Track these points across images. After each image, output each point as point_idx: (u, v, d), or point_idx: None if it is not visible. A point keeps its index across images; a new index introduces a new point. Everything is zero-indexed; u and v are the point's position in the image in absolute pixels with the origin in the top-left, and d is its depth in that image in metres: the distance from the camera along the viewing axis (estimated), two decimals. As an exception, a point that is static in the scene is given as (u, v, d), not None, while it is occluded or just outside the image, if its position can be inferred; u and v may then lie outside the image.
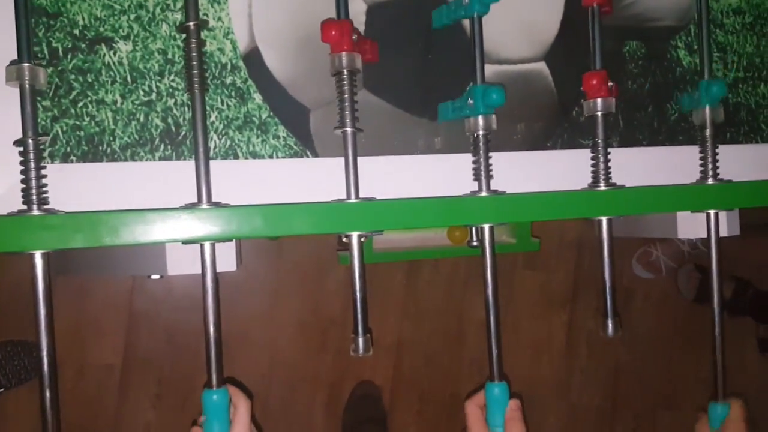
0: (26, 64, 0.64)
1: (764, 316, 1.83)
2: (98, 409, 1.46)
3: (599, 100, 0.82)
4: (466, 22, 0.86)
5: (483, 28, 0.80)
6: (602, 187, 0.83)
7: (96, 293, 1.45)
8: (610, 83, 0.82)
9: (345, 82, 0.73)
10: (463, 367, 1.71)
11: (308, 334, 1.60)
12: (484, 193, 0.78)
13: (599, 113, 0.82)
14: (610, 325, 0.84)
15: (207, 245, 0.69)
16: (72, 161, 0.73)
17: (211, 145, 0.78)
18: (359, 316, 0.73)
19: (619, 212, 0.81)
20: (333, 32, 0.72)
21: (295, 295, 1.58)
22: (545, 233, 1.60)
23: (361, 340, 0.73)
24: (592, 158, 0.84)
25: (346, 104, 0.73)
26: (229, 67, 0.79)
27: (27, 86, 0.63)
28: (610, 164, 0.83)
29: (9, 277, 1.38)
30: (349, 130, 0.74)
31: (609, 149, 0.83)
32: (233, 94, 0.79)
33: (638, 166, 0.94)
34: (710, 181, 0.87)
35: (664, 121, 0.96)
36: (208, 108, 0.78)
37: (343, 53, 0.72)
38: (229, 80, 0.79)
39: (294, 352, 1.58)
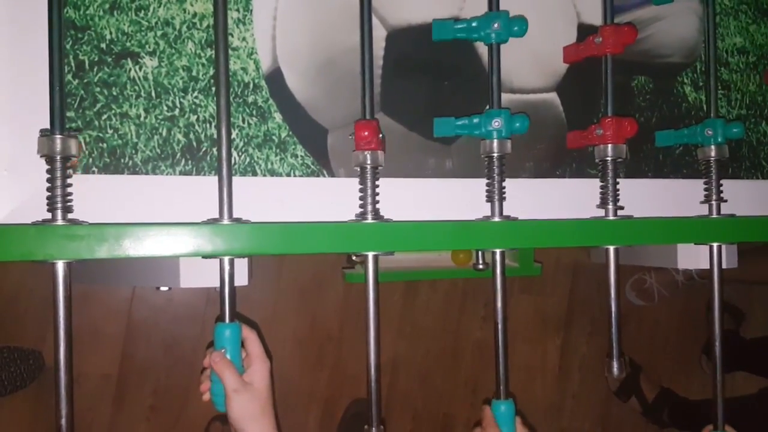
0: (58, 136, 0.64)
1: (685, 424, 1.73)
2: (93, 419, 1.45)
3: (610, 145, 0.84)
4: (481, 50, 0.88)
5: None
6: (611, 216, 0.84)
7: (96, 302, 1.45)
8: (626, 122, 0.84)
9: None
10: (458, 388, 1.71)
11: (305, 350, 1.60)
12: (496, 219, 0.80)
13: (609, 158, 0.84)
14: (615, 367, 0.85)
15: (226, 260, 0.71)
16: (94, 172, 0.74)
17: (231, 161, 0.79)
18: (371, 346, 0.74)
19: (628, 242, 0.83)
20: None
21: (294, 311, 1.59)
22: (541, 257, 1.62)
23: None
24: (601, 189, 0.86)
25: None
26: (251, 86, 0.81)
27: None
28: (619, 195, 0.86)
29: (5, 284, 1.38)
30: (368, 154, 0.75)
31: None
32: (254, 112, 0.81)
33: (643, 197, 0.96)
34: (714, 214, 0.90)
35: (669, 155, 0.98)
36: (228, 125, 0.79)
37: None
38: (251, 99, 0.81)
39: (290, 368, 1.58)
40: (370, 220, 0.75)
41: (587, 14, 0.94)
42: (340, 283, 1.57)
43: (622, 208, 0.86)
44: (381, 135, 0.76)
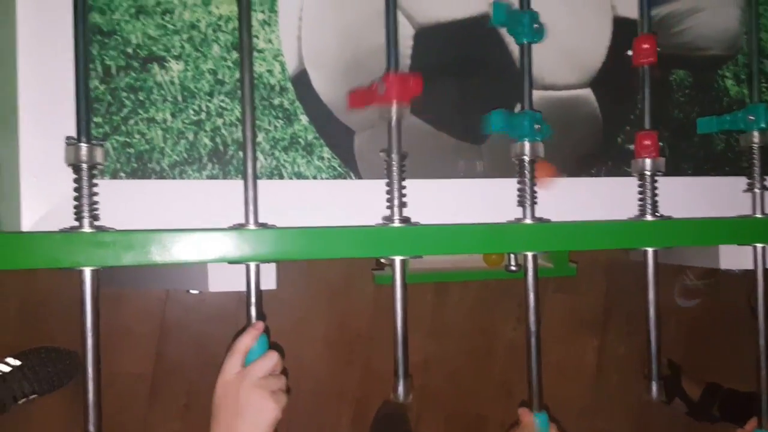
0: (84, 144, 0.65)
1: (737, 416, 1.68)
2: (127, 418, 1.47)
3: (648, 160, 0.81)
4: (512, 48, 0.86)
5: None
6: (649, 217, 0.82)
7: (130, 303, 1.46)
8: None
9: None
10: (490, 388, 1.69)
11: (335, 349, 1.59)
12: (528, 221, 0.78)
13: (647, 173, 0.82)
14: (654, 389, 0.81)
15: (252, 265, 0.70)
16: (121, 177, 0.74)
17: (257, 164, 0.78)
18: (399, 350, 0.73)
19: (666, 244, 0.80)
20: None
21: (324, 311, 1.58)
22: (575, 255, 1.58)
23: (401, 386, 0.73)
24: (639, 188, 0.83)
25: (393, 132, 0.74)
26: (277, 88, 0.80)
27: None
28: (657, 196, 0.83)
29: (41, 286, 1.40)
30: (394, 155, 0.74)
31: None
32: (281, 115, 0.80)
33: (682, 196, 0.93)
34: (758, 211, 0.86)
35: (711, 151, 0.94)
36: (255, 128, 0.78)
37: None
38: (277, 101, 0.80)
39: (321, 368, 1.58)
40: (396, 223, 0.73)
41: (623, 7, 0.91)
42: (371, 283, 1.55)
43: (659, 216, 0.83)
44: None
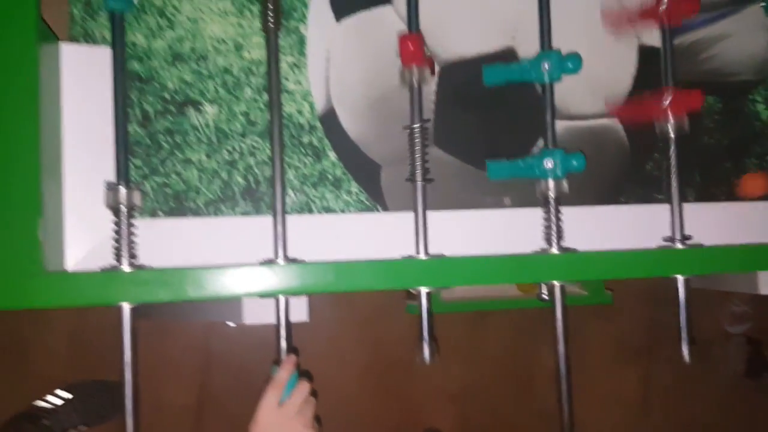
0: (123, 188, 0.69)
1: None
2: (172, 448, 1.51)
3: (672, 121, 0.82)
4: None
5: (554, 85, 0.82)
6: (678, 245, 0.81)
7: (175, 334, 1.51)
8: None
9: (417, 135, 0.76)
10: (531, 418, 1.67)
11: (371, 377, 1.60)
12: (554, 250, 0.78)
13: (672, 135, 0.82)
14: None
15: (281, 298, 0.72)
16: (159, 216, 0.78)
17: (288, 200, 0.81)
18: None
19: (696, 271, 0.79)
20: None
21: (358, 340, 1.59)
22: (613, 281, 1.56)
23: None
24: (671, 212, 0.83)
25: (417, 156, 0.76)
26: (306, 127, 0.83)
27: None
28: (684, 220, 0.82)
29: (90, 319, 1.45)
30: (419, 183, 0.76)
31: (684, 203, 0.82)
32: (309, 152, 0.83)
33: (715, 222, 0.92)
34: (794, 239, 0.85)
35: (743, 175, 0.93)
36: (285, 165, 0.81)
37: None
38: (306, 139, 0.83)
39: (357, 396, 1.59)
40: (421, 255, 0.75)
41: (647, 35, 0.91)
42: (404, 312, 1.56)
43: (689, 237, 0.82)
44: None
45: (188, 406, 1.52)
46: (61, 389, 1.38)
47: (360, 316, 1.60)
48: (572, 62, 0.78)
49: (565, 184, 0.78)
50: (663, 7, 0.83)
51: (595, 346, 1.70)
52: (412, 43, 0.77)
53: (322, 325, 1.57)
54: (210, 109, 0.80)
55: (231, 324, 1.40)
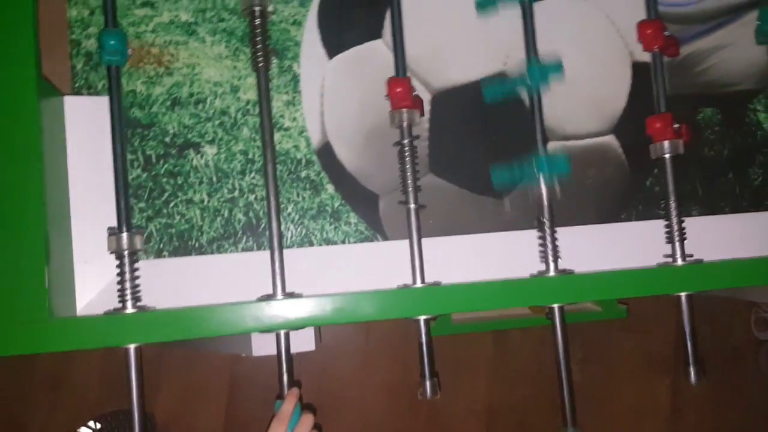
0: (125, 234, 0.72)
1: None
2: (202, 474, 1.54)
3: (666, 142, 0.82)
4: (527, 97, 0.88)
5: (548, 106, 0.83)
6: (679, 261, 0.81)
7: (202, 362, 1.55)
8: (676, 125, 0.84)
9: (407, 152, 0.78)
10: (561, 433, 1.65)
11: (399, 396, 1.61)
12: (552, 273, 0.79)
13: (667, 155, 0.82)
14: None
15: (282, 333, 0.74)
16: (164, 256, 0.81)
17: (288, 234, 0.84)
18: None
19: (697, 288, 0.79)
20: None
21: (384, 359, 1.61)
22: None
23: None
24: (666, 228, 0.83)
25: (409, 181, 0.78)
26: (303, 162, 0.85)
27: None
28: (685, 234, 0.82)
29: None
30: (412, 206, 0.77)
31: (688, 218, 0.82)
32: (307, 186, 0.85)
33: (721, 235, 0.91)
34: (800, 250, 0.83)
35: (747, 187, 0.92)
36: (284, 200, 0.83)
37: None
38: (303, 174, 0.85)
39: (384, 415, 1.60)
40: (418, 284, 0.76)
41: (641, 52, 0.91)
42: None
43: (690, 255, 0.82)
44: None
45: (215, 431, 1.55)
46: (93, 420, 1.43)
47: (386, 334, 1.61)
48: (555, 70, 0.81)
49: (558, 189, 0.79)
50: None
51: (623, 357, 1.68)
52: (400, 87, 0.79)
53: (348, 343, 1.59)
54: (210, 150, 0.83)
55: (244, 355, 1.42)
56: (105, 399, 1.49)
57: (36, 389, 1.48)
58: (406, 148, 0.79)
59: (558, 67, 0.82)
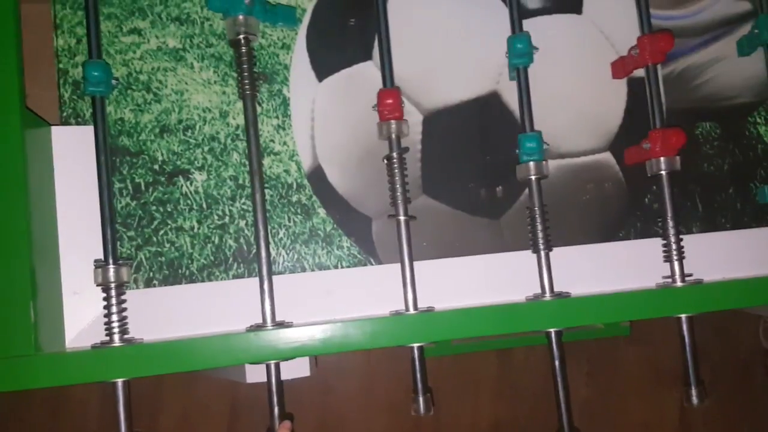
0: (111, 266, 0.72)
1: None
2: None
3: (662, 158, 0.80)
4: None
5: (542, 124, 0.83)
6: (678, 282, 0.79)
7: (204, 382, 1.54)
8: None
9: (396, 167, 0.78)
10: (569, 449, 1.63)
11: (402, 416, 1.59)
12: (547, 297, 0.77)
13: (663, 172, 0.81)
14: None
15: (272, 363, 0.73)
16: (154, 285, 0.80)
17: (280, 259, 0.82)
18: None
19: (698, 309, 0.77)
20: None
21: (387, 377, 1.59)
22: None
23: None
24: (664, 249, 0.81)
25: (398, 193, 0.77)
26: (294, 186, 0.84)
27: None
28: (684, 253, 0.80)
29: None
30: (402, 218, 0.76)
31: (689, 235, 0.81)
32: (299, 210, 0.84)
33: (723, 251, 0.89)
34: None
35: (749, 202, 0.90)
36: (276, 225, 0.82)
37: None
38: (294, 198, 0.84)
39: (390, 434, 1.58)
40: (411, 310, 0.75)
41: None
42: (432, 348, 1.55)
43: (690, 275, 0.80)
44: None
45: (218, 452, 1.54)
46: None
47: (388, 355, 1.60)
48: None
49: (546, 166, 0.80)
50: (635, 52, 0.83)
51: (630, 370, 1.65)
52: (390, 98, 0.78)
53: (350, 366, 1.57)
54: (199, 177, 0.82)
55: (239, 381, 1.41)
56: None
57: (35, 415, 1.47)
58: (395, 160, 0.78)
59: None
